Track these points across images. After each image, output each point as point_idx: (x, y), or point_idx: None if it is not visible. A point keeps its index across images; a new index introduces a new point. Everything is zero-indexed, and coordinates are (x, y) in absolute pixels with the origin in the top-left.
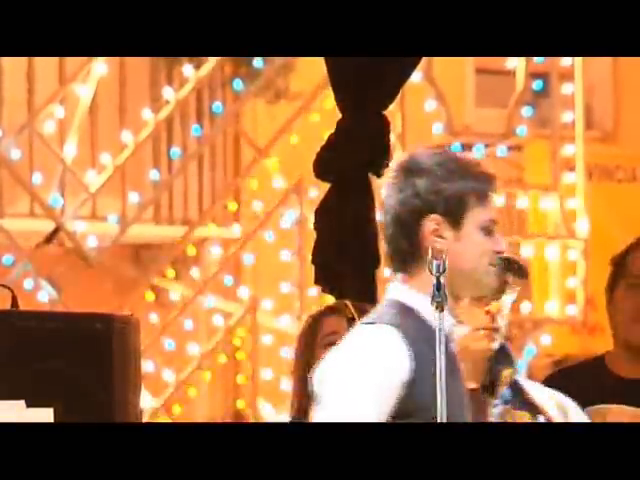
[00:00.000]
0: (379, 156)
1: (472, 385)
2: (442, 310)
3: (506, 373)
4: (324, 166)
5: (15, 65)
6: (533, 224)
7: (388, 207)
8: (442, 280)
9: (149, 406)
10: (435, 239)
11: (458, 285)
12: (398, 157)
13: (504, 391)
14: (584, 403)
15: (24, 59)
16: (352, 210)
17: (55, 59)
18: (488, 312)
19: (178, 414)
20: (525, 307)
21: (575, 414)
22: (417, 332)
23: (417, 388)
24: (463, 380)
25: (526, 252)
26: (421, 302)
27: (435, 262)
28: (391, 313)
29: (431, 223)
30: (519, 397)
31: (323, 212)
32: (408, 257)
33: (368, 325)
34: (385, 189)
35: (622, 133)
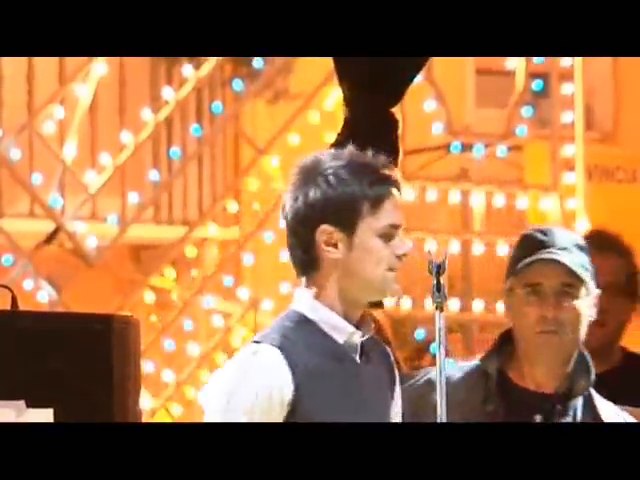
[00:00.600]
0: (387, 153)
1: (546, 389)
2: (442, 310)
3: (581, 385)
4: None
5: (15, 66)
6: (533, 224)
7: (285, 215)
8: (442, 281)
9: (149, 407)
10: (328, 249)
11: (355, 292)
12: (300, 160)
13: (576, 404)
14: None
15: (24, 60)
16: None
17: (55, 60)
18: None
19: (178, 415)
20: None
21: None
22: (310, 347)
23: (303, 406)
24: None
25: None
26: (323, 313)
27: (435, 263)
28: (284, 327)
29: (323, 233)
30: (589, 413)
31: None
32: (307, 266)
33: (252, 345)
34: (284, 195)
35: (622, 134)
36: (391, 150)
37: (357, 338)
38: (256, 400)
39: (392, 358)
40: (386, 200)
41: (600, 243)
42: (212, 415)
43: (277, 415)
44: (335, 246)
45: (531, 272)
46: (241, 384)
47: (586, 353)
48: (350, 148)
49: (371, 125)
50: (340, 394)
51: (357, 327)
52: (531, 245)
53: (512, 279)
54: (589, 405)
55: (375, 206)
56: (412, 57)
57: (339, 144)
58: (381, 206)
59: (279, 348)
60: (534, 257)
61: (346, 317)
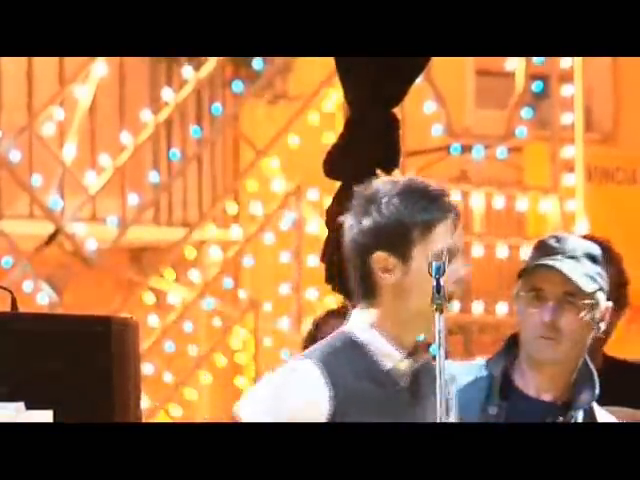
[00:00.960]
0: (389, 154)
1: (546, 397)
2: (442, 312)
3: (584, 397)
4: (334, 165)
5: (15, 67)
6: (533, 226)
7: (344, 242)
8: (442, 282)
9: (149, 408)
10: (384, 275)
11: (410, 318)
12: (358, 188)
13: (577, 415)
14: None
15: (24, 61)
16: None
17: (55, 61)
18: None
19: (178, 416)
20: None
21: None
22: (354, 369)
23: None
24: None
25: (526, 254)
26: (373, 337)
27: (435, 264)
28: (331, 346)
29: (378, 260)
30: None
31: (334, 211)
32: (365, 292)
33: (294, 360)
34: (344, 223)
35: (622, 135)
36: (392, 151)
37: (405, 365)
38: (292, 416)
39: (453, 386)
40: (438, 225)
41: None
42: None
43: None
44: (391, 272)
45: (535, 277)
46: (278, 400)
47: (591, 366)
48: (408, 176)
49: (372, 126)
50: (377, 418)
51: (410, 354)
52: (542, 250)
53: (520, 282)
54: (589, 417)
55: (426, 231)
56: (413, 58)
57: (340, 145)
58: (432, 231)
59: (321, 366)
60: (538, 262)
61: (399, 343)
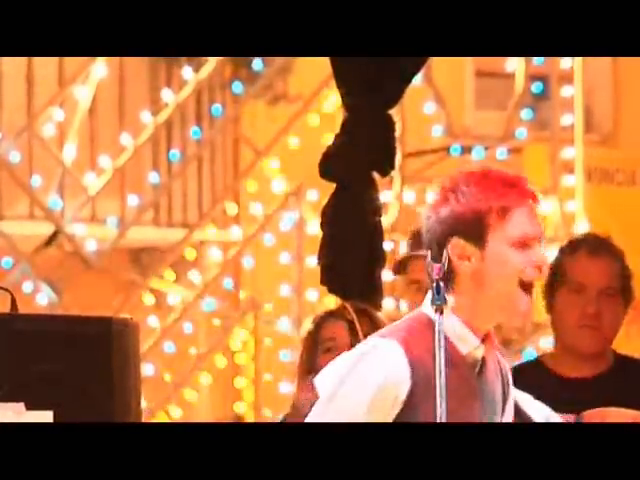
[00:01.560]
0: (384, 155)
1: None
2: (442, 313)
3: None
4: (330, 167)
5: (15, 67)
6: None
7: (423, 232)
8: (441, 283)
9: (149, 409)
10: (461, 262)
11: (487, 305)
12: (440, 180)
13: None
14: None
15: (24, 61)
16: (358, 210)
17: (54, 62)
18: None
19: (177, 417)
20: None
21: (529, 407)
22: (432, 351)
23: (416, 406)
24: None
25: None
26: (452, 321)
27: (435, 265)
28: (410, 327)
29: (455, 247)
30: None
31: (329, 212)
32: (445, 279)
33: (375, 338)
34: (422, 215)
35: (622, 136)
36: (388, 153)
37: (480, 352)
38: (369, 391)
39: (510, 376)
40: (515, 210)
41: (594, 246)
42: (322, 399)
43: (388, 411)
44: (469, 259)
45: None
46: (356, 373)
47: None
48: (485, 164)
49: (368, 127)
50: (452, 402)
51: (483, 340)
52: None
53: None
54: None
55: (502, 217)
56: (410, 58)
57: (336, 146)
58: (509, 217)
59: (402, 345)
60: None
61: (475, 329)
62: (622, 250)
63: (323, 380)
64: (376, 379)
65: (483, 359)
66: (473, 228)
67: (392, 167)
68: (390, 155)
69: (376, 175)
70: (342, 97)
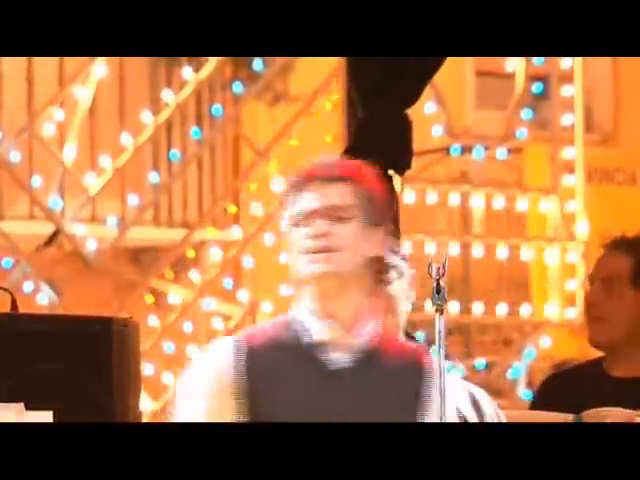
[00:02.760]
0: (401, 154)
1: None
2: (442, 313)
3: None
4: None
5: (15, 67)
6: (533, 227)
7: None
8: (442, 283)
9: (149, 409)
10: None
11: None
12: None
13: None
14: (584, 406)
15: (24, 62)
16: None
17: (54, 62)
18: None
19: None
20: (525, 310)
21: (488, 407)
22: (278, 345)
23: (261, 403)
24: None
25: (526, 255)
26: (296, 313)
27: (434, 265)
28: (263, 324)
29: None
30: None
31: None
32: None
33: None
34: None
35: (622, 135)
36: (405, 152)
37: (324, 337)
38: (206, 384)
39: (424, 372)
40: (293, 193)
41: (607, 240)
42: (178, 402)
43: (231, 404)
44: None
45: None
46: (194, 372)
47: None
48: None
49: (386, 127)
50: (302, 397)
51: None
52: None
53: None
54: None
55: (291, 201)
56: (426, 59)
57: (355, 146)
58: (294, 199)
59: (241, 340)
60: None
61: (318, 315)
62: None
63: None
64: (208, 372)
65: (355, 362)
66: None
67: (409, 166)
68: (407, 154)
69: (393, 174)
70: (358, 97)
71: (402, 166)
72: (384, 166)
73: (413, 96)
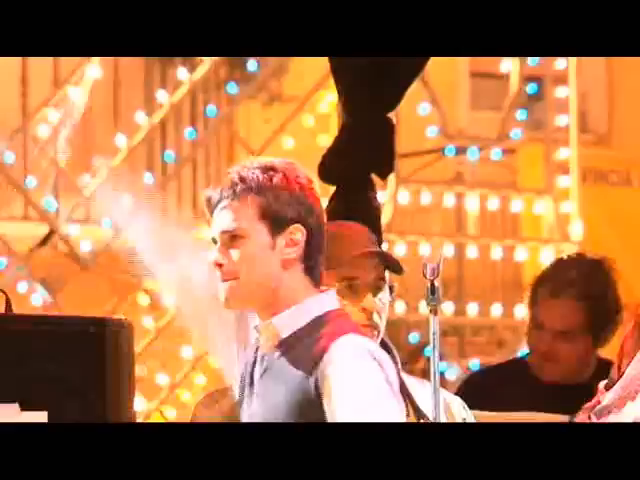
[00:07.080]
0: (383, 158)
1: None
2: (436, 314)
3: None
4: (329, 170)
5: (9, 68)
6: (527, 228)
7: None
8: (436, 284)
9: (143, 410)
10: None
11: None
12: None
13: None
14: (504, 404)
15: (18, 62)
16: (356, 212)
17: (49, 62)
18: (364, 309)
19: (172, 417)
20: (519, 311)
21: (458, 410)
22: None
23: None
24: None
25: (520, 256)
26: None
27: (429, 265)
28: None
29: None
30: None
31: (328, 214)
32: None
33: None
34: None
35: (616, 136)
36: (388, 155)
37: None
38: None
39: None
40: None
41: (555, 284)
42: None
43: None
44: None
45: None
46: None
47: None
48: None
49: (368, 130)
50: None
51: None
52: None
53: None
54: None
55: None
56: (410, 61)
57: (335, 149)
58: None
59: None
60: None
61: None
62: (613, 268)
63: None
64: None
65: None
66: None
67: (391, 170)
68: (389, 158)
69: (375, 177)
70: (341, 100)
71: (385, 169)
72: (367, 169)
73: (396, 99)
